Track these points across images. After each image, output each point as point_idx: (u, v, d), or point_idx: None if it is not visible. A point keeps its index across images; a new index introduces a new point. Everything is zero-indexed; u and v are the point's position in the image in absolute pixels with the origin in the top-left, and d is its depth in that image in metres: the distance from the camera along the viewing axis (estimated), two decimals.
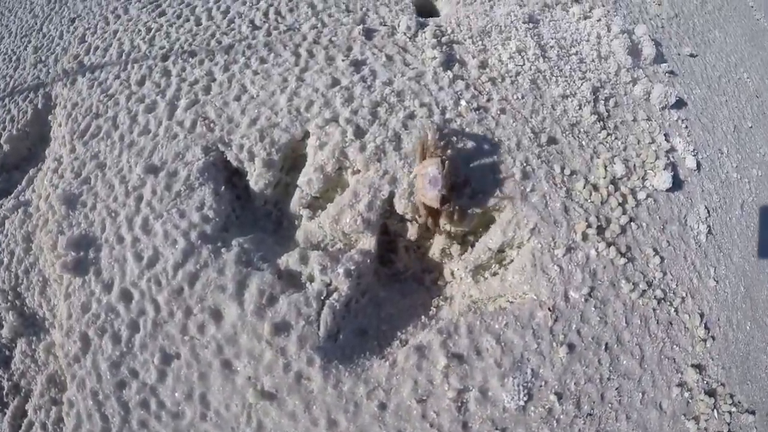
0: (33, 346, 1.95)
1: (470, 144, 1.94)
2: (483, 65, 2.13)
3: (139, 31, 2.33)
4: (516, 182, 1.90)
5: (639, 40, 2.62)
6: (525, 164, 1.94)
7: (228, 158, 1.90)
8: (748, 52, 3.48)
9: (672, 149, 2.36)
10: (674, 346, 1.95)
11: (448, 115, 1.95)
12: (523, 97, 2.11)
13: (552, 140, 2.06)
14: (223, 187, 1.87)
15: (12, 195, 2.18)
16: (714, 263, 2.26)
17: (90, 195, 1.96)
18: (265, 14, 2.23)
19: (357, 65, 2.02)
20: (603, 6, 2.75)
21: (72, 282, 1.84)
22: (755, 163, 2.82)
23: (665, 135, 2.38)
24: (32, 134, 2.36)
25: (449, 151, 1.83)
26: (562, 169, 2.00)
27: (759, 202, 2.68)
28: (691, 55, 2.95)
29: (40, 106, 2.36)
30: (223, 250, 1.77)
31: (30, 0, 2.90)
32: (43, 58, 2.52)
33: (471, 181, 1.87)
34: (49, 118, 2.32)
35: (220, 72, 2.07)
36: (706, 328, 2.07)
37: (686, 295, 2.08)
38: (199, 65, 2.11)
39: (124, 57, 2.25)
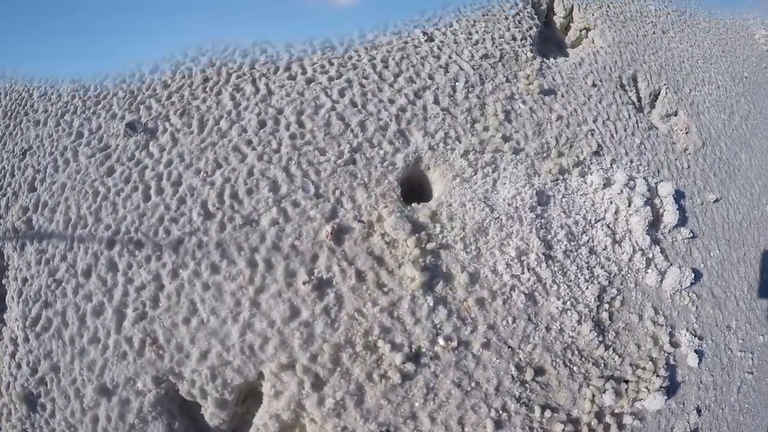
0: None
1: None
2: (473, 280, 1.63)
3: (86, 194, 1.84)
4: None
5: (662, 203, 2.00)
6: (501, 412, 1.58)
7: (180, 391, 1.59)
8: None
9: (676, 344, 1.93)
10: None
11: (422, 360, 1.55)
12: (514, 321, 1.64)
13: (539, 371, 1.64)
14: (177, 423, 1.58)
15: None
16: None
17: (48, 400, 1.69)
18: (219, 195, 1.69)
19: (321, 288, 1.56)
20: (627, 155, 2.07)
21: None
22: (763, 328, 2.36)
23: (671, 330, 1.93)
24: None
25: None
26: (543, 410, 1.63)
27: (759, 377, 2.28)
28: (715, 201, 2.31)
29: None
30: None
31: None
32: None
33: None
34: (3, 281, 1.97)
35: (168, 278, 1.63)
36: None
37: None
38: (146, 263, 1.66)
39: (70, 230, 1.81)
